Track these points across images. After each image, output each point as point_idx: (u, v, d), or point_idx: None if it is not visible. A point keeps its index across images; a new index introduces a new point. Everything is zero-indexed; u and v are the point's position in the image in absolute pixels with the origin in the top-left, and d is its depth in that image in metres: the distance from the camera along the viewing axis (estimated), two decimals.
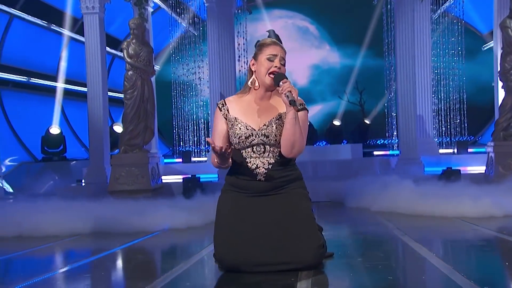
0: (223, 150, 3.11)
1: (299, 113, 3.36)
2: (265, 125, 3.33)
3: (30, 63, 13.40)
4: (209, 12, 10.02)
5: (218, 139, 3.37)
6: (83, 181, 9.49)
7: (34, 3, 13.18)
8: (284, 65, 3.38)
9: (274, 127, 3.32)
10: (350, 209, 6.36)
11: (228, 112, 3.40)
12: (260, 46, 3.44)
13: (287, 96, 3.18)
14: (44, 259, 4.29)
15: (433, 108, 10.48)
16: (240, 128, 3.33)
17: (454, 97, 11.56)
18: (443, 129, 11.40)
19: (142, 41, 8.32)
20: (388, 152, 11.84)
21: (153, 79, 8.84)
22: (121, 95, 8.32)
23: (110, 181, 8.09)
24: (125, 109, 8.23)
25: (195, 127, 12.52)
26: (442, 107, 11.42)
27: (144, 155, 8.12)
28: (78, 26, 13.50)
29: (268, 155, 3.35)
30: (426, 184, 6.33)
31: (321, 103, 17.26)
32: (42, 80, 13.44)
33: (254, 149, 3.34)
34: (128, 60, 8.15)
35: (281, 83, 3.24)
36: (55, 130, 12.21)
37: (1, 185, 10.19)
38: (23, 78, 13.16)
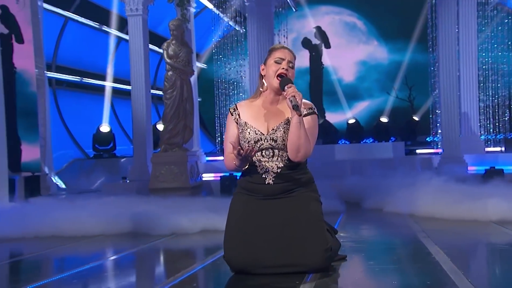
0: (247, 153, 3.17)
1: (307, 117, 3.38)
2: (273, 129, 3.36)
3: (82, 63, 13.90)
4: (249, 11, 10.07)
5: (230, 139, 3.42)
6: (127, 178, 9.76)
7: (87, 5, 13.64)
8: (292, 67, 3.41)
9: (282, 131, 3.34)
10: (367, 210, 6.25)
11: (239, 117, 3.44)
12: (270, 51, 3.51)
13: (291, 100, 3.20)
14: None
15: (480, 105, 10.13)
16: (249, 133, 3.37)
17: (503, 94, 11.13)
18: (491, 126, 10.99)
19: (182, 41, 8.45)
20: (434, 150, 11.53)
21: (194, 78, 8.98)
22: None
23: (150, 178, 8.28)
24: (165, 108, 8.40)
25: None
26: (490, 104, 11.01)
27: (183, 153, 8.26)
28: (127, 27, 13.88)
29: (277, 159, 3.37)
30: (461, 184, 6.09)
31: (368, 100, 17.01)
32: (93, 80, 13.91)
33: (263, 153, 3.37)
34: (168, 60, 8.31)
35: (286, 87, 3.25)
36: (105, 128, 12.60)
37: (54, 181, 10.62)
38: (76, 78, 13.67)
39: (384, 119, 15.56)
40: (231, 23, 13.15)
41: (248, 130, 3.37)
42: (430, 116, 11.04)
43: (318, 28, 16.48)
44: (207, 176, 9.36)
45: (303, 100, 3.53)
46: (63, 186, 10.96)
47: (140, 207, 5.96)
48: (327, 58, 16.46)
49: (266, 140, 3.35)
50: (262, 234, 3.28)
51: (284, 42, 11.41)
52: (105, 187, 9.13)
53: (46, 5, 12.41)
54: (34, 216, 5.36)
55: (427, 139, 13.76)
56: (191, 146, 9.63)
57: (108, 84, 13.67)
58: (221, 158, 11.67)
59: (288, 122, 3.35)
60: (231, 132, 3.46)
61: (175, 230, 5.04)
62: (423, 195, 5.36)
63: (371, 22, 17.24)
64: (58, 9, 13.19)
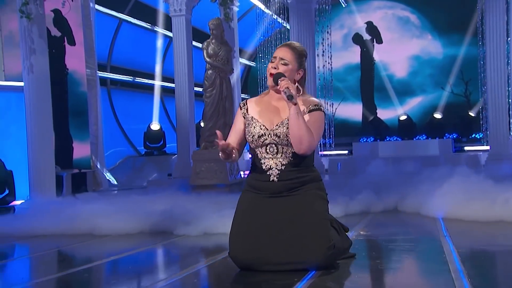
0: (225, 147, 3.22)
1: (312, 112, 3.38)
2: (277, 125, 3.38)
3: (135, 63, 14.33)
4: (290, 8, 10.06)
5: (233, 136, 3.49)
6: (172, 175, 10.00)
7: (140, 6, 14.03)
8: (285, 64, 3.39)
9: (286, 128, 3.34)
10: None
11: (247, 112, 3.49)
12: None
13: (285, 92, 3.21)
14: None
15: None
16: (254, 127, 3.41)
17: None
18: None
19: (221, 40, 8.55)
20: (483, 148, 11.10)
21: (236, 76, 9.07)
22: None
23: (191, 175, 8.45)
24: (205, 107, 8.55)
25: None
26: None
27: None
28: None
29: (281, 155, 3.38)
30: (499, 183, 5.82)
31: (421, 95, 16.55)
32: (145, 79, 14.31)
33: (267, 150, 3.40)
34: (207, 59, 8.44)
35: (279, 81, 3.27)
36: (155, 126, 12.95)
37: (106, 177, 11.02)
38: (129, 77, 14.11)
39: (438, 115, 15.16)
40: (279, 19, 13.16)
41: (254, 124, 3.41)
42: (481, 112, 10.61)
43: (369, 24, 16.24)
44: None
45: (312, 98, 3.54)
46: (115, 182, 11.35)
47: (175, 205, 5.92)
48: (379, 53, 16.20)
49: (269, 136, 3.37)
50: (266, 231, 3.30)
51: (328, 38, 11.30)
52: (151, 184, 9.39)
53: (101, 8, 12.90)
54: (66, 212, 5.49)
55: (476, 135, 13.29)
56: None
57: (158, 83, 14.02)
58: None
59: None
60: (237, 126, 3.51)
61: (206, 230, 4.89)
62: (454, 197, 5.11)
63: (425, 16, 16.77)
64: (113, 11, 13.66)
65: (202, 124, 13.28)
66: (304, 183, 3.40)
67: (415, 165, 8.45)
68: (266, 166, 3.39)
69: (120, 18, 13.99)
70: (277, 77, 3.31)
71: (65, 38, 9.95)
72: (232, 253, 3.38)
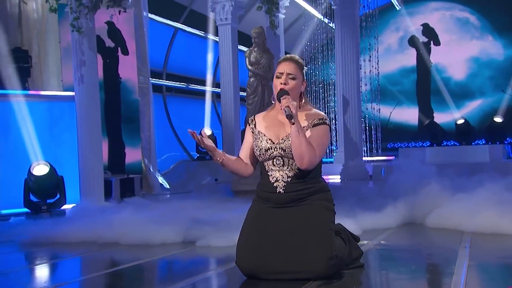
0: (219, 161, 3.44)
1: (316, 127, 3.45)
2: (282, 139, 3.46)
3: (189, 70, 14.74)
4: (335, 13, 10.07)
5: (244, 150, 3.63)
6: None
7: (194, 15, 14.44)
8: (294, 78, 3.47)
9: (291, 141, 3.42)
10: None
11: (255, 127, 3.60)
12: (277, 63, 3.61)
13: (285, 111, 3.28)
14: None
15: None
16: (261, 141, 3.51)
17: None
18: None
19: (263, 48, 8.72)
20: None
21: None
22: None
23: (233, 181, 8.64)
24: (247, 113, 8.73)
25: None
26: None
27: None
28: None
29: (287, 168, 3.46)
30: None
31: (480, 98, 16.02)
32: (198, 86, 14.69)
33: (274, 162, 3.49)
34: (249, 67, 8.63)
35: (281, 98, 3.35)
36: (207, 131, 13.25)
37: (159, 181, 11.41)
38: (183, 84, 14.54)
39: (498, 119, 14.61)
40: (329, 24, 13.16)
41: (261, 139, 3.51)
42: None
43: (426, 25, 15.88)
44: None
45: (316, 111, 3.61)
46: (168, 186, 11.72)
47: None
48: (435, 56, 15.82)
49: (275, 149, 3.46)
50: (271, 241, 3.38)
51: (375, 44, 11.19)
52: (196, 188, 9.66)
53: (157, 18, 13.39)
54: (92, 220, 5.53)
55: None
56: None
57: (209, 89, 14.36)
58: None
59: None
60: (246, 141, 3.63)
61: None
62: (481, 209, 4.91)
63: (485, 16, 16.23)
64: (169, 20, 14.14)
65: None
66: (310, 194, 3.47)
67: (459, 172, 8.21)
68: (273, 178, 3.48)
69: (175, 27, 14.45)
70: (280, 94, 3.39)
71: (119, 48, 10.39)
72: (238, 262, 3.48)
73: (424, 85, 15.48)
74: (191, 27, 14.64)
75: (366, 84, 11.69)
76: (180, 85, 14.52)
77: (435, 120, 15.45)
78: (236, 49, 10.22)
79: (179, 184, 12.34)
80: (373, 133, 12.06)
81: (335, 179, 9.33)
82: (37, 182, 7.47)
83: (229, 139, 9.94)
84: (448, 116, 15.52)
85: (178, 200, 7.72)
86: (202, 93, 14.62)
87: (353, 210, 5.28)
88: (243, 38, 11.82)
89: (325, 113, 13.23)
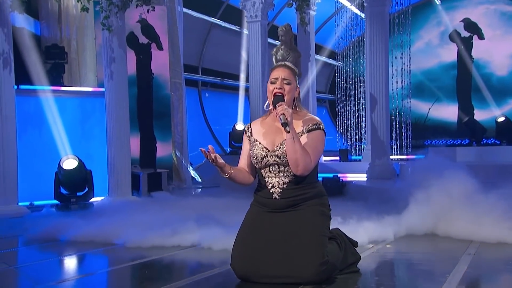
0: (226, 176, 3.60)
1: (311, 132, 3.52)
2: (277, 146, 3.53)
3: (224, 65, 14.91)
4: (366, 11, 9.99)
5: (243, 159, 3.74)
6: None
7: (230, 9, 14.57)
8: (289, 83, 3.54)
9: (286, 148, 3.49)
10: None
11: (251, 135, 3.67)
12: (270, 71, 3.68)
13: (280, 118, 3.35)
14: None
15: None
16: (257, 150, 3.58)
17: None
18: None
19: (290, 46, 8.77)
20: None
21: (310, 78, 9.21)
22: None
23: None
24: None
25: (357, 125, 12.54)
26: None
27: None
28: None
29: (283, 174, 3.53)
30: None
31: None
32: (232, 80, 14.84)
33: (270, 169, 3.56)
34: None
35: (277, 106, 3.42)
36: (239, 126, 13.39)
37: (191, 175, 11.65)
38: (218, 79, 14.72)
39: None
40: (361, 19, 13.04)
41: (256, 146, 3.58)
42: None
43: (467, 20, 15.47)
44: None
45: (311, 116, 3.66)
46: (199, 179, 11.95)
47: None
48: (477, 51, 15.40)
49: (271, 157, 3.53)
50: (265, 245, 3.45)
51: (407, 41, 11.04)
52: (222, 183, 9.81)
53: (193, 13, 13.60)
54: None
55: None
56: None
57: (242, 83, 14.49)
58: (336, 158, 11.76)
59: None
60: (244, 149, 3.72)
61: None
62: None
63: None
64: (205, 16, 14.33)
65: None
66: (306, 199, 3.53)
67: (488, 175, 8.00)
68: (269, 184, 3.55)
69: (211, 22, 14.63)
70: (275, 101, 3.46)
71: (153, 44, 10.63)
72: (232, 264, 3.58)
73: (464, 81, 15.10)
74: (227, 22, 14.77)
75: (397, 82, 11.55)
76: (215, 80, 14.71)
77: (475, 117, 15.10)
78: (266, 46, 10.29)
79: (211, 178, 12.54)
80: (403, 131, 11.90)
81: (361, 177, 9.28)
82: (67, 176, 7.80)
83: None
84: (489, 113, 15.12)
85: (199, 197, 7.85)
86: (237, 88, 14.78)
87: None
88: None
89: (355, 110, 13.20)
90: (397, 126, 11.79)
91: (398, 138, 11.63)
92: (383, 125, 9.05)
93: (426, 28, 16.42)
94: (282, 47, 8.74)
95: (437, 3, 14.86)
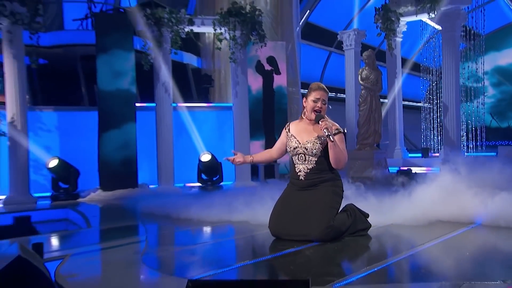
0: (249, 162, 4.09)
1: (336, 135, 3.85)
2: (306, 141, 3.93)
3: (339, 82, 15.07)
4: (441, 34, 9.59)
5: (278, 145, 4.17)
6: None
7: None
8: (325, 104, 3.93)
9: (312, 144, 3.89)
10: None
11: (289, 131, 4.12)
12: (309, 89, 4.01)
13: (324, 131, 3.76)
14: None
15: None
16: (291, 142, 4.03)
17: None
18: None
19: (373, 67, 8.82)
20: None
21: (396, 89, 9.17)
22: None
23: (347, 169, 8.93)
24: (359, 118, 8.94)
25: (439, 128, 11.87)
26: None
27: (370, 152, 8.68)
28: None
29: (307, 162, 3.93)
30: None
31: None
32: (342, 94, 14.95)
33: (298, 158, 3.98)
34: (361, 82, 8.82)
35: (320, 121, 3.80)
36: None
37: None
38: (332, 93, 14.96)
39: None
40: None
41: (291, 140, 4.03)
42: None
43: None
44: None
45: (333, 122, 3.97)
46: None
47: None
48: None
49: (300, 148, 3.94)
50: (291, 213, 3.86)
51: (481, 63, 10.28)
52: None
53: (317, 45, 14.04)
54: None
55: None
56: (395, 145, 9.84)
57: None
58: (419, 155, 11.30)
59: (317, 138, 3.87)
60: (280, 139, 4.15)
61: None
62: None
63: None
64: (324, 46, 14.70)
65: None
66: (322, 181, 3.89)
67: None
68: (297, 169, 3.98)
69: (330, 51, 14.95)
70: (318, 118, 3.83)
71: (273, 70, 11.33)
72: (269, 226, 4.01)
73: None
74: (341, 49, 14.96)
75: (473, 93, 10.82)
76: (331, 94, 14.99)
77: None
78: (358, 67, 10.40)
79: None
80: (478, 131, 11.10)
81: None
82: (204, 166, 8.77)
83: (350, 136, 10.22)
84: None
85: None
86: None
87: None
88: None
89: (436, 116, 12.54)
90: (473, 129, 11.06)
91: (473, 138, 10.92)
92: (454, 128, 8.68)
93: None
94: (366, 68, 8.83)
95: None
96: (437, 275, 2.79)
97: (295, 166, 4.00)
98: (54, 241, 4.35)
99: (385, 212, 4.65)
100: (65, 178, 7.73)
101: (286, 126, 4.19)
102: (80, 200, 7.58)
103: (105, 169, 8.17)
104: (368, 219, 4.14)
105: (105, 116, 8.23)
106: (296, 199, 3.93)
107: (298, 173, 3.96)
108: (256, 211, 4.83)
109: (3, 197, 7.50)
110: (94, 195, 7.81)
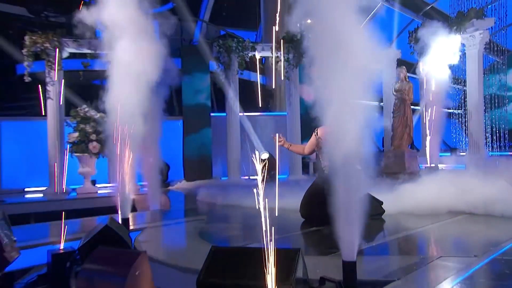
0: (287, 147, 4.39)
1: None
2: None
3: None
4: (466, 51, 9.16)
5: (308, 144, 4.45)
6: None
7: None
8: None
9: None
10: None
11: (317, 134, 4.42)
12: (316, 129, 4.33)
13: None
14: None
15: None
16: (319, 142, 4.34)
17: None
18: None
19: (405, 80, 8.70)
20: None
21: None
22: None
23: (383, 165, 8.88)
24: (393, 123, 8.86)
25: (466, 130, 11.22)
26: None
27: (401, 151, 8.58)
28: None
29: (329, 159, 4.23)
30: None
31: None
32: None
33: (324, 155, 4.28)
34: (394, 93, 8.73)
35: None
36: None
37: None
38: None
39: None
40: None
41: (319, 141, 4.34)
42: None
43: None
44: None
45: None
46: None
47: None
48: None
49: (325, 147, 4.25)
50: (317, 200, 4.17)
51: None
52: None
53: None
54: None
55: None
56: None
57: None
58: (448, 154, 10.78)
59: None
60: (310, 140, 4.44)
61: None
62: None
63: None
64: None
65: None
66: None
67: None
68: (323, 164, 4.27)
69: None
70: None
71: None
72: (300, 210, 4.34)
73: None
74: None
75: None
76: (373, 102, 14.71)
77: None
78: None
79: None
80: (501, 133, 10.40)
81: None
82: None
83: (387, 138, 10.10)
84: None
85: None
86: None
87: None
88: None
89: (459, 122, 11.86)
90: (497, 131, 10.41)
91: (497, 139, 10.28)
92: (477, 131, 8.33)
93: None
94: (399, 81, 8.74)
95: None
96: (419, 250, 2.95)
97: (321, 161, 4.26)
98: (140, 217, 4.93)
99: (399, 201, 4.72)
100: (160, 171, 8.52)
101: (315, 130, 4.46)
102: (169, 188, 8.33)
103: (187, 165, 8.89)
104: (382, 205, 4.30)
105: (188, 124, 8.94)
106: (320, 188, 4.19)
107: (324, 168, 4.22)
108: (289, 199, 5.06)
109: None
110: (180, 184, 8.56)
